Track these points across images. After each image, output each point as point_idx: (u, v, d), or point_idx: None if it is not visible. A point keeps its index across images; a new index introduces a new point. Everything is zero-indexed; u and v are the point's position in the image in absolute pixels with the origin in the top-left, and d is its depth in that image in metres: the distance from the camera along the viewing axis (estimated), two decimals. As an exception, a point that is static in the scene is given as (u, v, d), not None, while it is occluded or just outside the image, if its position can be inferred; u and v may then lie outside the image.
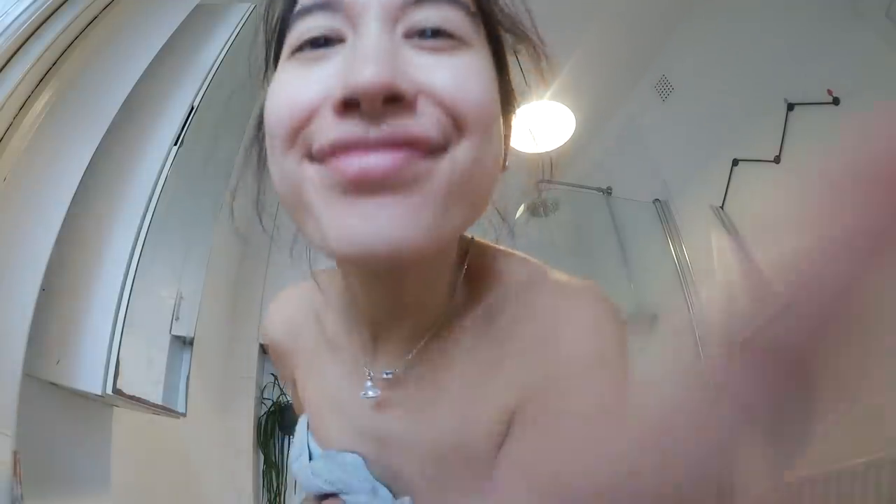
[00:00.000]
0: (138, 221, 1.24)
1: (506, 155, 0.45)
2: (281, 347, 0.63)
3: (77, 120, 1.10)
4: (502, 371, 0.45)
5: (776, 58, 1.84)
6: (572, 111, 2.39)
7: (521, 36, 0.47)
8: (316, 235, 0.37)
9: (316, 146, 0.35)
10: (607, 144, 2.75)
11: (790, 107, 1.75)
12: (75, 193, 1.11)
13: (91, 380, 1.16)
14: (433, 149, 0.35)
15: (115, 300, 1.19)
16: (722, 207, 2.16)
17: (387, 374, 0.50)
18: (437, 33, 0.37)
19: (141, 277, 1.29)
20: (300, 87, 0.37)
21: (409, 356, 0.49)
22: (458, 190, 0.36)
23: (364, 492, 0.50)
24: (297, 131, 0.36)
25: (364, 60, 0.33)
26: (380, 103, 0.33)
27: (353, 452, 0.53)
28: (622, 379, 0.41)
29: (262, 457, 2.54)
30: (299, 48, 0.38)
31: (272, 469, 2.52)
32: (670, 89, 2.32)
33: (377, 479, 0.51)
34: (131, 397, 1.31)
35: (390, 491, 0.51)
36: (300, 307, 0.62)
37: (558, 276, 0.48)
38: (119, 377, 1.19)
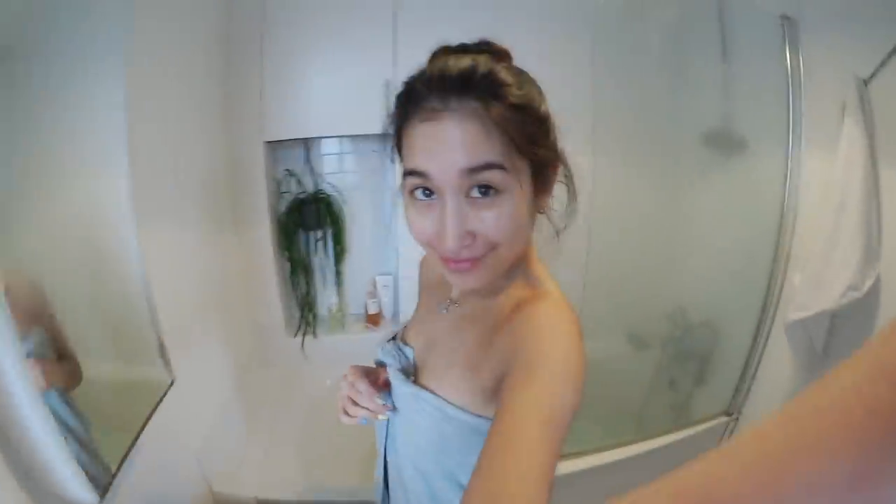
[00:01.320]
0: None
1: (541, 212, 0.77)
2: (425, 267, 1.04)
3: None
4: (507, 338, 0.70)
5: None
6: None
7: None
8: (442, 271, 0.74)
9: (436, 253, 0.72)
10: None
11: None
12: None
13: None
14: (483, 257, 0.69)
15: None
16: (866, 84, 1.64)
17: (449, 305, 0.88)
18: (485, 188, 0.65)
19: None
20: (425, 227, 0.69)
21: (473, 302, 0.83)
22: (498, 267, 0.71)
23: (395, 368, 0.86)
24: (427, 245, 0.72)
25: (450, 238, 0.66)
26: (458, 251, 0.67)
27: (411, 346, 0.89)
28: (577, 352, 0.66)
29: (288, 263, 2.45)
30: (415, 194, 0.69)
31: (299, 269, 2.45)
32: None
33: (414, 363, 0.87)
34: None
35: (414, 374, 0.85)
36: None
37: (553, 301, 0.74)
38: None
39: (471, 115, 0.63)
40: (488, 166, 0.63)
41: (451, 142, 0.63)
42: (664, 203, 2.35)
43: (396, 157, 0.75)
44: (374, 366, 0.98)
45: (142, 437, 1.34)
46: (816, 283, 1.76)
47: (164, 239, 1.61)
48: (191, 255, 1.85)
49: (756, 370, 2.08)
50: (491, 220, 0.66)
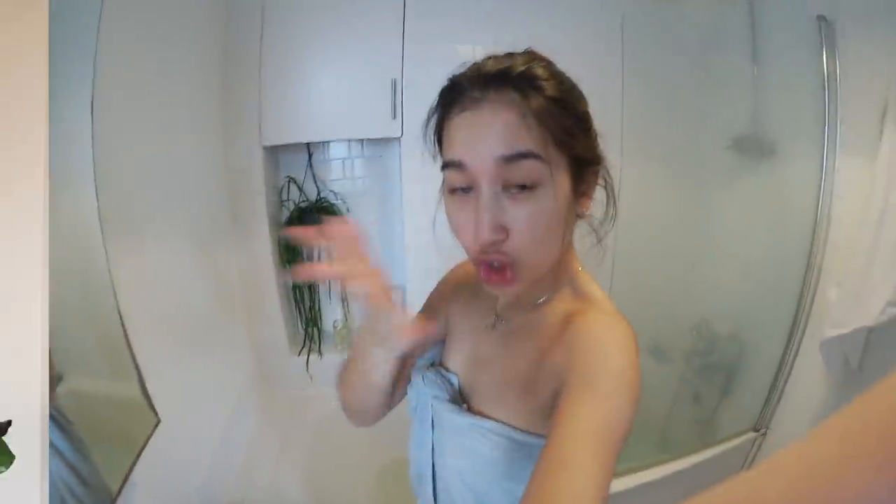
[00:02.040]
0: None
1: (579, 216, 0.75)
2: (452, 284, 0.96)
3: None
4: (561, 354, 0.68)
5: None
6: None
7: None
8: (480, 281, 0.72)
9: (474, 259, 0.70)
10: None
11: None
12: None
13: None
14: (517, 261, 0.67)
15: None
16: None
17: (496, 322, 0.82)
18: (520, 186, 0.64)
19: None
20: (463, 223, 0.69)
21: (520, 316, 0.79)
22: (530, 270, 0.69)
23: (444, 399, 0.79)
24: (467, 246, 0.70)
25: (483, 229, 0.65)
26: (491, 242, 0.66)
27: (453, 372, 0.84)
28: (634, 365, 0.64)
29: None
30: (453, 190, 0.69)
31: (303, 282, 2.31)
32: None
33: (460, 389, 0.82)
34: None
35: (462, 399, 0.80)
36: (468, 272, 0.93)
37: (605, 312, 0.72)
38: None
39: (508, 105, 0.64)
40: (524, 155, 0.63)
41: (488, 130, 0.64)
42: (691, 209, 2.27)
43: (437, 152, 0.74)
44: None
45: (137, 468, 1.24)
46: (854, 299, 1.68)
47: (151, 254, 1.48)
48: (184, 271, 1.70)
49: (785, 384, 2.00)
50: (525, 215, 0.65)
